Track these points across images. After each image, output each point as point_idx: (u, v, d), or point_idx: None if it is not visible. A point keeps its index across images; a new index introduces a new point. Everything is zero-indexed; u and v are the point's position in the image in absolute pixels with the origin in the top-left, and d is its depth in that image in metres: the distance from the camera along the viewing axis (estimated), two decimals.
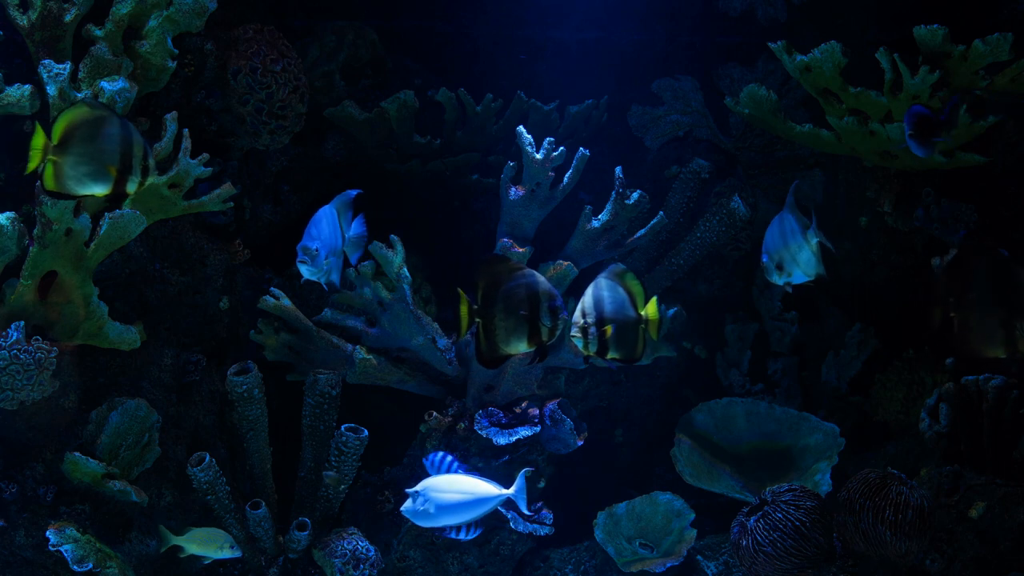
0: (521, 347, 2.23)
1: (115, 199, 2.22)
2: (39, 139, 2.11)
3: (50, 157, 2.12)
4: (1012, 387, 2.68)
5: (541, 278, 2.22)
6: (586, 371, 3.35)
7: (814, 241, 2.55)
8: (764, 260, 2.55)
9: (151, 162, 2.23)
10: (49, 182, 2.15)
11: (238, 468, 2.97)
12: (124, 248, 2.61)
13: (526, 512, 2.67)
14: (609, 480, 3.54)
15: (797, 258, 2.54)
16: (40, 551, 2.49)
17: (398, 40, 3.56)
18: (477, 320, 2.22)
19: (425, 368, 3.14)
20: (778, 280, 2.56)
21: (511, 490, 2.56)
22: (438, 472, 2.80)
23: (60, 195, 2.19)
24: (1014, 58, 2.54)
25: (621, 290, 2.28)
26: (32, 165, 2.17)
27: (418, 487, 2.56)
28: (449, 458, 2.82)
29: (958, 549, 2.64)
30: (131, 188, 2.19)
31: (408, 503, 2.58)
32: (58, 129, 2.12)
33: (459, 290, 2.26)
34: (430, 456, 2.84)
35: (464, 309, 2.23)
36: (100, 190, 2.16)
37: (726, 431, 3.35)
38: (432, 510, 2.56)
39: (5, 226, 2.35)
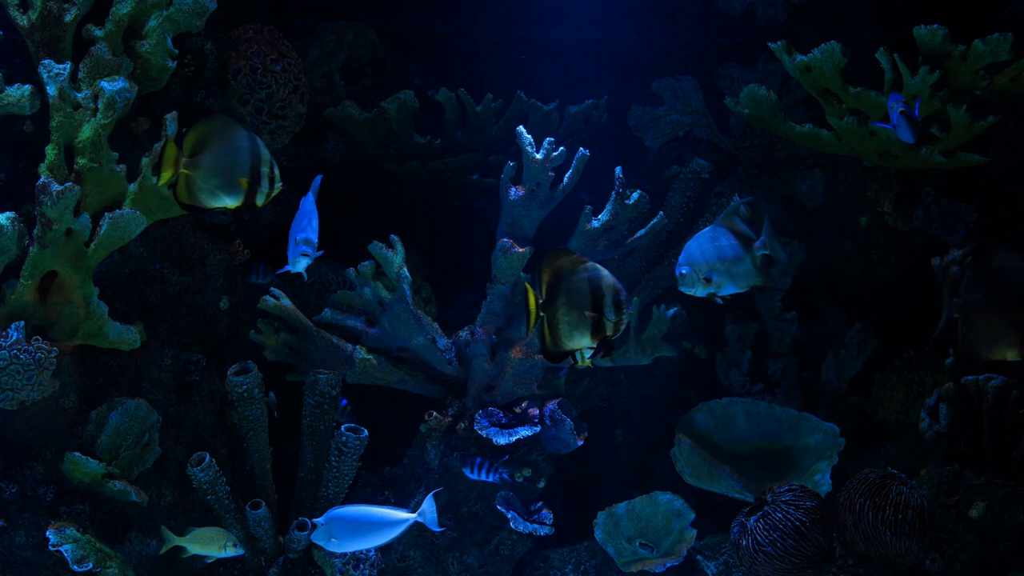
0: (584, 342, 2.18)
1: (243, 211, 2.24)
2: (171, 151, 2.13)
3: (182, 170, 2.14)
4: (1012, 387, 2.68)
5: (605, 271, 2.17)
6: (586, 371, 3.35)
7: (759, 255, 2.54)
8: (685, 272, 2.50)
9: (277, 173, 2.26)
10: (182, 194, 2.18)
11: (238, 468, 2.97)
12: (124, 248, 2.61)
13: (436, 529, 2.64)
14: (609, 480, 3.54)
15: (733, 271, 2.52)
16: (40, 551, 2.49)
17: (398, 40, 3.56)
18: (541, 314, 2.18)
19: (425, 368, 3.14)
20: (700, 292, 2.53)
21: (415, 515, 2.53)
22: (479, 475, 2.90)
23: (193, 208, 2.22)
24: (1014, 58, 2.55)
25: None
26: (165, 178, 2.21)
27: (322, 519, 2.55)
28: (487, 461, 2.89)
29: (958, 549, 2.64)
30: (260, 200, 2.22)
31: (317, 532, 2.58)
32: (189, 141, 2.15)
33: (526, 284, 2.23)
34: (467, 462, 2.92)
35: (532, 303, 2.19)
36: (231, 202, 2.18)
37: (726, 431, 3.35)
38: (337, 539, 2.55)
39: (5, 226, 2.35)
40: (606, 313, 2.14)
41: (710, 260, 2.48)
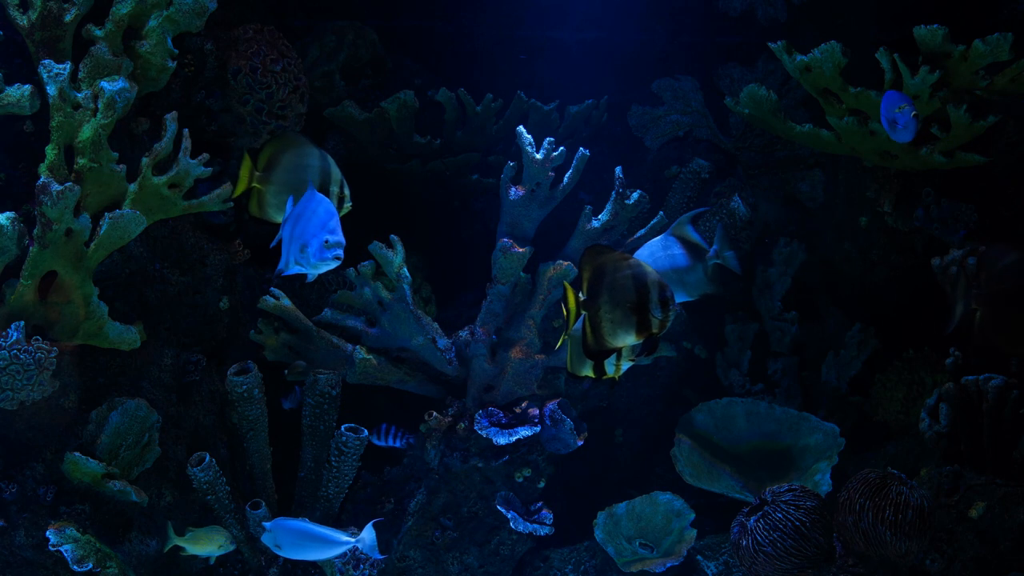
0: (629, 339, 2.13)
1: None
2: (246, 167, 2.13)
3: (255, 185, 2.14)
4: (1012, 387, 2.68)
5: (649, 268, 2.12)
6: None
7: (711, 263, 2.53)
8: None
9: (347, 192, 2.27)
10: (253, 208, 2.19)
11: (238, 468, 2.97)
12: (124, 248, 2.61)
13: (376, 557, 2.65)
14: (609, 480, 3.54)
15: (685, 280, 2.51)
16: (40, 551, 2.49)
17: (398, 40, 3.56)
18: (583, 312, 2.14)
19: (425, 368, 3.14)
20: None
21: (354, 539, 2.55)
22: (384, 440, 2.95)
23: (262, 221, 2.22)
24: (1014, 58, 2.55)
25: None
26: (239, 190, 2.26)
27: (269, 524, 2.58)
28: (393, 427, 2.90)
29: (958, 549, 2.64)
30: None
31: (264, 535, 2.61)
32: (264, 158, 2.15)
33: (565, 283, 2.20)
34: (375, 429, 2.92)
35: (571, 300, 2.15)
36: None
37: (726, 431, 3.35)
38: (281, 547, 2.58)
39: (5, 226, 2.35)
40: (652, 310, 2.09)
41: (663, 269, 2.46)
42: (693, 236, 2.53)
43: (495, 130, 3.45)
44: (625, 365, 2.43)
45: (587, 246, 2.24)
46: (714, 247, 2.55)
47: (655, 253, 2.49)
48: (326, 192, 2.24)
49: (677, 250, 2.49)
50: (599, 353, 2.20)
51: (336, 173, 2.23)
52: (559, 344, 2.40)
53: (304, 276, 2.33)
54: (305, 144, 2.22)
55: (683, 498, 3.17)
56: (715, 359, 3.61)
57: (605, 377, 2.43)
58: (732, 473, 3.23)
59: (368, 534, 2.55)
